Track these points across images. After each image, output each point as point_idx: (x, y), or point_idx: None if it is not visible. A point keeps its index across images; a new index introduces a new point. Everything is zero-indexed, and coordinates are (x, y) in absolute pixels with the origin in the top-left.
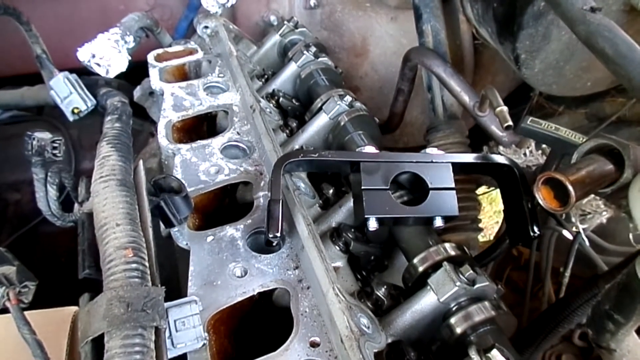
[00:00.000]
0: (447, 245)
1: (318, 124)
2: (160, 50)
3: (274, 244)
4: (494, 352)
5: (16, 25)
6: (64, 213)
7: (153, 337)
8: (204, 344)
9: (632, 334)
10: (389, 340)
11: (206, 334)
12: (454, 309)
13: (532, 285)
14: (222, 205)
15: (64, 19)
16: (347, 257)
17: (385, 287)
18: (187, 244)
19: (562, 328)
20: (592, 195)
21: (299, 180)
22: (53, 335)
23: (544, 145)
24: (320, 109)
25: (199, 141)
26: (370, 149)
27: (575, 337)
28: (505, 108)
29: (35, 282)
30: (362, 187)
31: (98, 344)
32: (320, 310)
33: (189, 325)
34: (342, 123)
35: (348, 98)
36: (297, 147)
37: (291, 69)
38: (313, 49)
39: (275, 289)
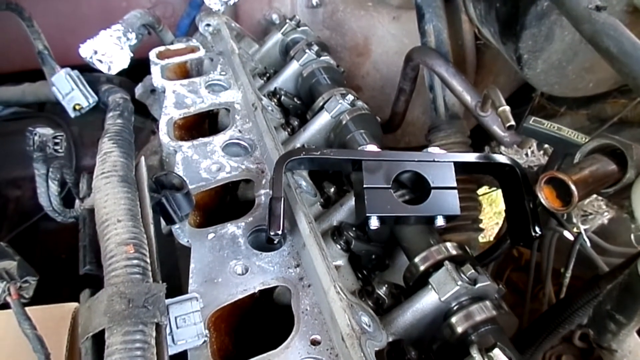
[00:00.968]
0: (448, 244)
1: (320, 122)
2: (162, 48)
3: (275, 242)
4: (496, 351)
5: (17, 21)
6: (65, 209)
7: (154, 334)
8: (205, 341)
9: (633, 335)
10: (390, 339)
11: (207, 331)
12: (455, 308)
13: (532, 286)
14: (223, 203)
15: (65, 15)
16: (348, 255)
17: (386, 286)
18: (188, 241)
19: (563, 329)
20: (594, 196)
21: (300, 179)
22: (53, 331)
23: (545, 146)
24: (322, 107)
25: (200, 139)
26: (372, 148)
27: (576, 338)
28: (507, 108)
29: (36, 277)
30: (364, 186)
31: (99, 340)
32: (321, 309)
33: (189, 322)
34: (343, 122)
35: (350, 97)
36: (298, 145)
37: (293, 67)
38: (315, 47)
39: (276, 286)
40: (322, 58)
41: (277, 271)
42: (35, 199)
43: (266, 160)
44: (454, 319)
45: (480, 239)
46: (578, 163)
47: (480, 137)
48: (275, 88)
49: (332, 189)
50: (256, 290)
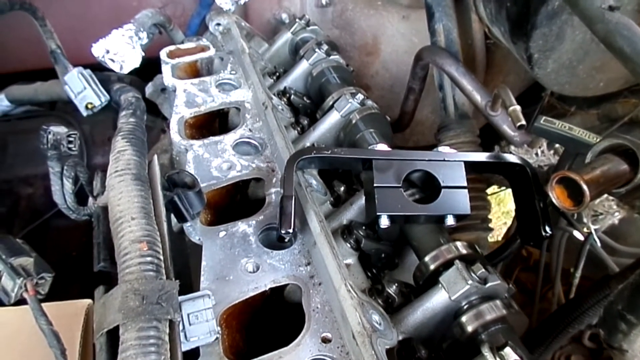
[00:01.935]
0: (458, 243)
1: (329, 121)
2: (172, 47)
3: (286, 240)
4: (507, 350)
5: (30, 20)
6: (79, 206)
7: (167, 330)
8: (217, 338)
9: None
10: (400, 338)
11: (219, 328)
12: (465, 307)
13: (541, 286)
14: (234, 201)
15: (76, 15)
16: (358, 254)
17: (396, 284)
18: (199, 239)
19: (573, 328)
20: (605, 196)
21: (310, 178)
22: (66, 327)
23: (556, 145)
24: (332, 106)
25: (211, 137)
26: (383, 147)
27: (585, 338)
28: (518, 107)
29: (51, 273)
30: (374, 185)
31: (113, 336)
32: (332, 307)
33: (202, 319)
34: (353, 121)
35: (360, 96)
36: (308, 144)
37: (303, 66)
38: (325, 47)
39: (287, 284)
40: (331, 57)
41: (288, 269)
42: (47, 196)
43: (276, 159)
44: (464, 318)
45: (489, 239)
46: (590, 163)
47: (489, 137)
48: (284, 87)
49: (342, 188)
50: (267, 288)
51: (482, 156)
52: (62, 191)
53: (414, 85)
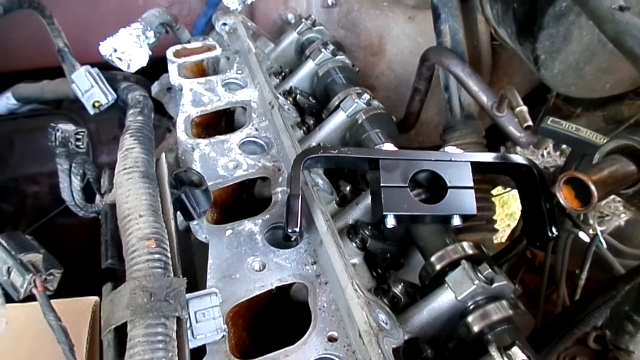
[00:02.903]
0: (464, 243)
1: (335, 121)
2: (179, 47)
3: (292, 239)
4: (515, 349)
5: (38, 19)
6: (87, 204)
7: (175, 327)
8: (224, 336)
9: None
10: (406, 337)
11: (225, 326)
12: (471, 307)
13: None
14: (240, 200)
15: (83, 14)
16: (364, 254)
17: (402, 284)
18: (206, 237)
19: (578, 330)
20: (611, 197)
21: (317, 177)
22: (73, 324)
23: (563, 146)
24: (338, 106)
25: (217, 136)
26: (389, 147)
27: (590, 340)
28: (525, 108)
29: (60, 270)
30: (381, 185)
31: (121, 332)
32: (338, 306)
33: (209, 316)
34: (359, 121)
35: (366, 96)
36: (314, 144)
37: (309, 66)
38: (331, 47)
39: (293, 283)
40: (337, 57)
41: (294, 268)
42: (53, 194)
43: (283, 158)
44: (470, 318)
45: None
46: (597, 163)
47: (495, 138)
48: (290, 87)
49: (348, 188)
50: (273, 287)
51: (488, 157)
52: (70, 188)
53: (419, 85)
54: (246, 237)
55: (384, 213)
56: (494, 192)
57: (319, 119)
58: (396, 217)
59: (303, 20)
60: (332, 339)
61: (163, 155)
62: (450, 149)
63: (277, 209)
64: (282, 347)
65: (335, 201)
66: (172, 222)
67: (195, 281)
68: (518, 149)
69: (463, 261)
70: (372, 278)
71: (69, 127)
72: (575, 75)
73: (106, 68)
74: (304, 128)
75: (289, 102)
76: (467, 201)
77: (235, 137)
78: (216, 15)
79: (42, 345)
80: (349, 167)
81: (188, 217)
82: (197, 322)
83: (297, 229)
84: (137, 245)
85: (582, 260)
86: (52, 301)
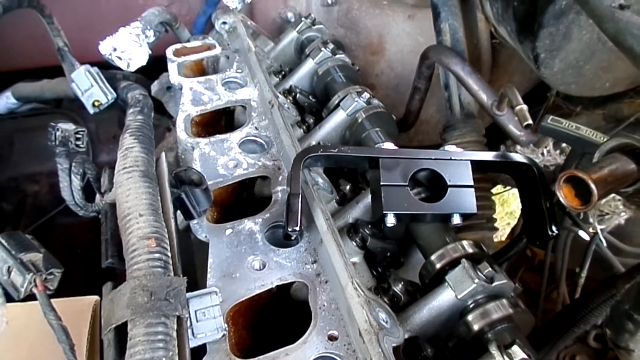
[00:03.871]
0: (464, 242)
1: (335, 120)
2: (178, 45)
3: (293, 238)
4: (515, 348)
5: (37, 18)
6: (87, 203)
7: (175, 326)
8: (224, 335)
9: None
10: (406, 336)
11: (225, 325)
12: (471, 306)
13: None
14: (240, 199)
15: (83, 13)
16: (364, 253)
17: (402, 283)
18: (206, 236)
19: (578, 328)
20: (611, 196)
21: (317, 176)
22: (74, 323)
23: (563, 145)
24: (338, 105)
25: (217, 135)
26: (389, 145)
27: (590, 339)
28: (525, 107)
29: (60, 269)
30: (381, 183)
31: (121, 331)
32: (339, 304)
33: (209, 315)
34: (359, 120)
35: (366, 95)
36: (314, 143)
37: (308, 65)
38: (330, 45)
39: (293, 282)
40: (337, 56)
41: (295, 267)
42: (52, 194)
43: (283, 157)
44: (470, 317)
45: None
46: (597, 162)
47: (494, 137)
48: (290, 86)
49: (348, 187)
50: (273, 286)
51: (488, 155)
52: (70, 188)
53: (419, 84)
54: (246, 236)
55: (384, 212)
56: (493, 190)
57: (318, 117)
58: (396, 215)
59: (303, 19)
60: (332, 338)
61: (163, 154)
62: (450, 148)
63: (277, 208)
64: (282, 346)
65: (335, 200)
66: (172, 221)
67: (195, 280)
68: (518, 147)
69: (463, 260)
70: (372, 277)
71: (69, 127)
72: (575, 73)
73: (106, 67)
74: (304, 127)
75: (288, 101)
76: (467, 200)
77: (235, 136)
78: (216, 14)
79: (42, 345)
80: (348, 166)
81: (188, 216)
82: (197, 321)
83: (297, 228)
84: (137, 244)
85: (582, 259)
86: (52, 300)
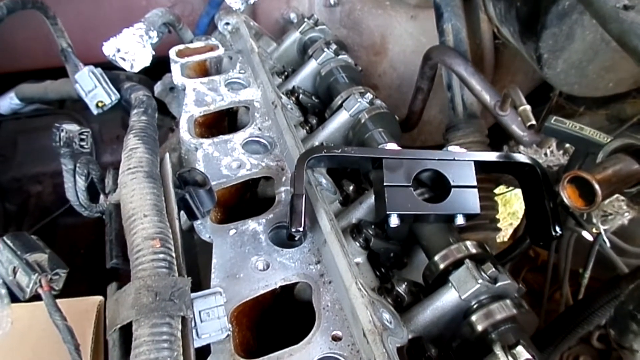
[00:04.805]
0: (468, 243)
1: (338, 121)
2: (181, 46)
3: (296, 239)
4: (519, 349)
5: (41, 19)
6: (91, 204)
7: (180, 327)
8: (228, 335)
9: None
10: (410, 337)
11: (229, 326)
12: (475, 306)
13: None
14: (244, 200)
15: (86, 14)
16: (367, 253)
17: (405, 283)
18: (210, 237)
19: (582, 329)
20: (615, 196)
21: (320, 176)
22: (78, 324)
23: (566, 146)
24: (341, 106)
25: (221, 136)
26: (393, 146)
27: (594, 339)
28: (528, 107)
29: (66, 269)
30: (384, 184)
31: (126, 332)
32: (342, 305)
33: (213, 316)
34: (362, 120)
35: (369, 95)
36: (317, 143)
37: (311, 66)
38: (333, 46)
39: (297, 283)
40: (340, 57)
41: (298, 267)
42: (56, 194)
43: (286, 158)
44: (474, 317)
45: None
46: (601, 162)
47: (497, 137)
48: (293, 86)
49: (352, 187)
50: (277, 286)
51: (492, 156)
52: (74, 188)
53: (422, 84)
54: (250, 236)
55: (388, 212)
56: (496, 190)
57: (321, 118)
58: (399, 216)
59: (305, 19)
60: (336, 338)
61: (167, 155)
62: (453, 148)
63: (280, 208)
64: (286, 347)
65: (338, 200)
66: (177, 221)
67: (199, 281)
68: (521, 148)
69: (467, 260)
70: (376, 277)
71: (73, 128)
72: (578, 73)
73: (109, 68)
74: (307, 127)
75: (291, 101)
76: (471, 200)
77: (239, 137)
78: (219, 14)
79: (47, 345)
80: (352, 167)
81: (192, 216)
82: (201, 321)
83: (301, 229)
84: (141, 245)
85: (585, 259)
86: (57, 301)
